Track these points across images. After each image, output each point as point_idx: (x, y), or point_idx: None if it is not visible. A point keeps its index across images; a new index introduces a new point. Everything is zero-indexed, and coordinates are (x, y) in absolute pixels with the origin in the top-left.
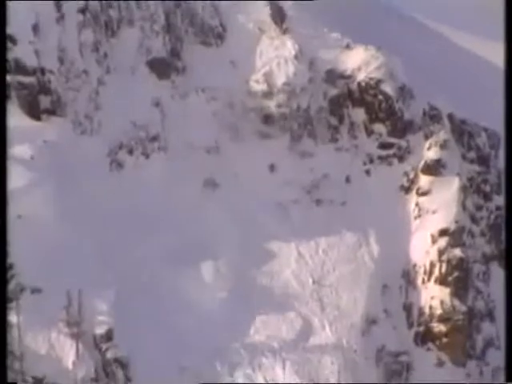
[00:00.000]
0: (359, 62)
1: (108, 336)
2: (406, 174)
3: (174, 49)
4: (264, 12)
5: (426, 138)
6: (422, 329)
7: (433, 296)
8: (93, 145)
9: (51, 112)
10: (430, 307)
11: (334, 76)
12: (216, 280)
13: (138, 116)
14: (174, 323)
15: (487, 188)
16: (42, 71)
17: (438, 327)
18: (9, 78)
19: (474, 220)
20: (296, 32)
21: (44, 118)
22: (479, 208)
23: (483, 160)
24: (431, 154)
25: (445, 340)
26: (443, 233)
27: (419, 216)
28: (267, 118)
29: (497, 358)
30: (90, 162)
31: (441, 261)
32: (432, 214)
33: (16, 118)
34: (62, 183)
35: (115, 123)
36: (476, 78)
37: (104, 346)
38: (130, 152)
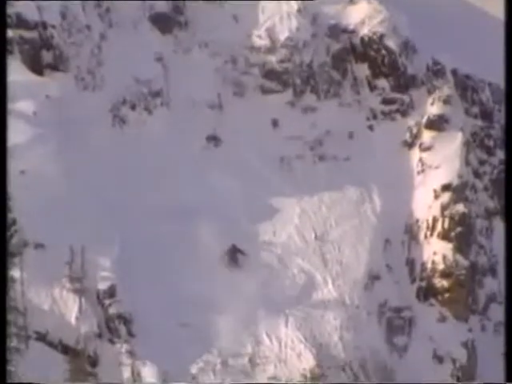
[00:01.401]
0: (362, 16)
1: (111, 292)
2: (409, 129)
3: (177, 4)
4: None
5: (430, 93)
6: (424, 284)
7: (435, 251)
8: (95, 100)
9: (54, 67)
10: (433, 262)
11: (337, 31)
12: (218, 236)
13: (140, 71)
14: (176, 279)
15: (491, 143)
16: (44, 26)
17: (441, 282)
18: (11, 32)
19: (477, 175)
20: None
21: (46, 73)
22: (482, 163)
23: (487, 115)
24: (434, 109)
25: (447, 295)
26: (446, 188)
27: (422, 171)
28: (270, 73)
29: (499, 312)
30: (93, 117)
31: (443, 216)
32: (435, 169)
33: (18, 73)
34: (65, 139)
35: (118, 78)
36: (480, 32)
37: (107, 302)
38: (133, 107)
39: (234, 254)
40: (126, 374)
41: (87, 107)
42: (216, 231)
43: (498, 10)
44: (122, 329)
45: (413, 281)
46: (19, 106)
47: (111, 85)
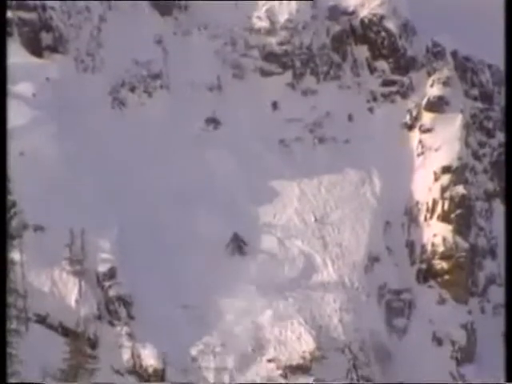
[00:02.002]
0: None
1: (111, 274)
2: (409, 111)
3: None
4: None
5: (429, 75)
6: (424, 266)
7: (435, 233)
8: (95, 82)
9: (53, 49)
10: (433, 244)
11: (336, 13)
12: (218, 218)
13: (140, 54)
14: (176, 261)
15: (490, 125)
16: (44, 8)
17: (440, 264)
18: (10, 14)
19: (476, 157)
20: None
21: (46, 55)
22: (482, 145)
23: (486, 97)
24: (434, 91)
25: (447, 277)
26: (446, 170)
27: (422, 153)
28: (269, 56)
29: (498, 295)
30: (93, 99)
31: (443, 198)
32: (435, 152)
33: (18, 56)
34: (65, 121)
35: (117, 61)
36: (480, 14)
37: (107, 284)
38: (133, 90)
39: (236, 243)
40: (126, 356)
41: (87, 89)
42: (216, 213)
43: None
44: (122, 311)
45: (412, 263)
46: (19, 88)
47: (111, 67)
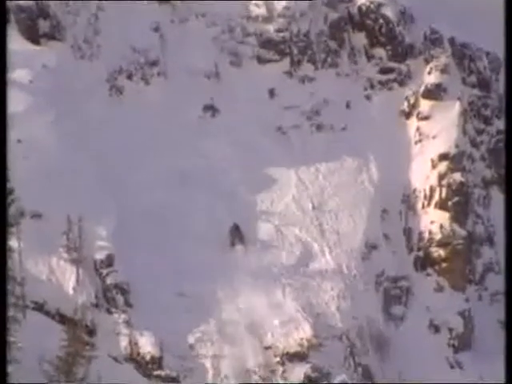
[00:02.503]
0: None
1: (108, 262)
2: (407, 98)
3: None
4: None
5: (427, 62)
6: (421, 254)
7: (432, 221)
8: (92, 70)
9: (50, 36)
10: (430, 232)
11: (334, 0)
12: (215, 205)
13: (137, 41)
14: (173, 249)
15: (488, 112)
16: None
17: (438, 252)
18: (7, 1)
19: (474, 144)
20: None
21: (43, 42)
22: (480, 132)
23: (484, 84)
24: (432, 78)
25: (444, 265)
26: (443, 157)
27: (419, 141)
28: (267, 43)
29: (496, 282)
30: (90, 86)
31: (441, 185)
32: (432, 139)
33: (15, 43)
34: (62, 108)
35: (114, 48)
36: (478, 1)
37: (104, 272)
38: (130, 77)
39: (234, 231)
40: (124, 343)
41: (84, 76)
42: (213, 201)
43: None
44: (120, 299)
45: (410, 250)
46: (16, 75)
47: (108, 54)
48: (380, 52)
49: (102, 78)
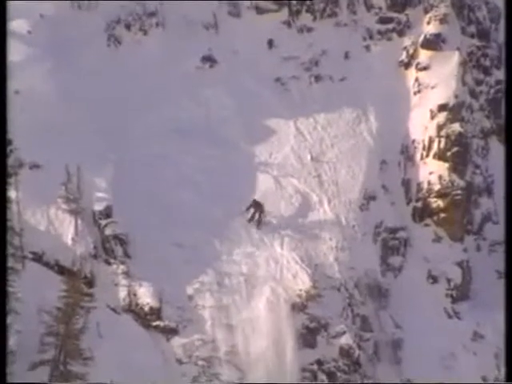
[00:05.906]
0: None
1: (107, 212)
2: (406, 48)
3: None
4: None
5: (426, 11)
6: (420, 204)
7: (431, 171)
8: (90, 19)
9: None
10: (429, 183)
11: None
12: (214, 155)
13: None
14: (172, 200)
15: (487, 62)
16: None
17: (436, 202)
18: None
19: (473, 95)
20: None
21: None
22: (479, 82)
23: (483, 34)
24: (431, 28)
25: (443, 215)
26: (442, 108)
27: (419, 91)
28: None
29: (494, 232)
30: (88, 37)
31: (440, 136)
32: (431, 89)
33: None
34: (60, 58)
35: None
36: None
37: (103, 223)
38: (128, 27)
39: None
40: (122, 294)
41: (82, 27)
42: (212, 152)
43: None
44: (118, 250)
45: (409, 201)
46: (13, 25)
47: (106, 4)
48: (379, 2)
49: (100, 29)
